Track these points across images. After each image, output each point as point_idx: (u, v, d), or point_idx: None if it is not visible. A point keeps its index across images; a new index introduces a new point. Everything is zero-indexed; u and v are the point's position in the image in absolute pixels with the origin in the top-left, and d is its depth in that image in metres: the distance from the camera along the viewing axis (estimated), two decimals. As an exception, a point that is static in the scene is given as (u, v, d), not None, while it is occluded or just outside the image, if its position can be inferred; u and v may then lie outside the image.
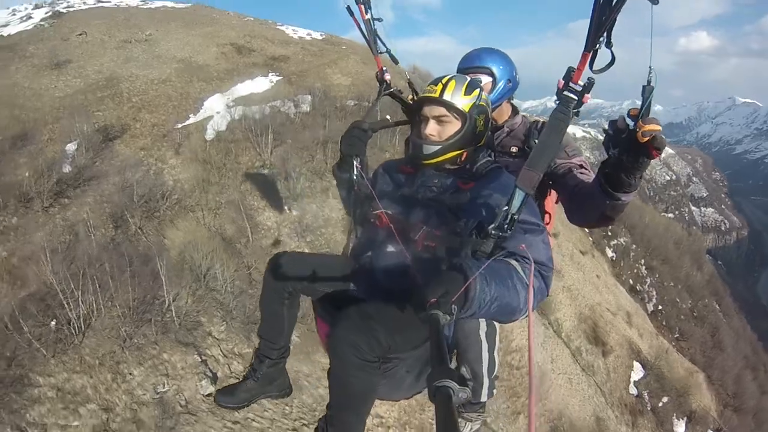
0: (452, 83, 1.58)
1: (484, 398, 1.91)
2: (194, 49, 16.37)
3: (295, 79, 14.50)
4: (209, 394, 7.82)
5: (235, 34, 18.75)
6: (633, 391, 14.82)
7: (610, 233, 30.39)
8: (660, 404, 15.19)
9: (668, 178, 77.92)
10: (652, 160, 1.27)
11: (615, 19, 1.04)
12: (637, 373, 15.69)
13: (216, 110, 12.96)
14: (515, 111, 2.17)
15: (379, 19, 1.84)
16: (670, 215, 56.29)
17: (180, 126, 12.25)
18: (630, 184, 1.37)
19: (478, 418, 2.20)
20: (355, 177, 1.74)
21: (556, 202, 2.04)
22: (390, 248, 1.57)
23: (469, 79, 1.64)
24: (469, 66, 2.00)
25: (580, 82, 1.16)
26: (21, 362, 7.43)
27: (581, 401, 12.48)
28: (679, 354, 20.64)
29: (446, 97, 1.56)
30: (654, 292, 28.71)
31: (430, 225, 1.51)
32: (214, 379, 7.80)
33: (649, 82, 1.16)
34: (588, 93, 1.17)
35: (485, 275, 1.09)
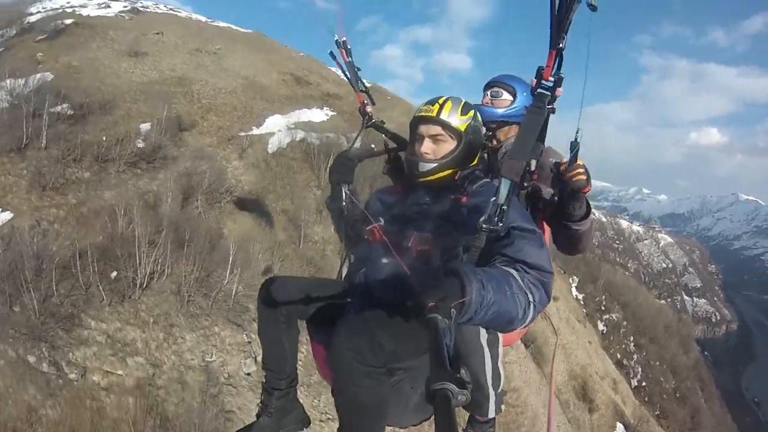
0: (449, 103, 1.60)
1: (491, 414, 1.81)
2: (258, 70, 18.10)
3: (348, 117, 16.13)
4: (249, 374, 8.57)
5: (294, 66, 20.70)
6: (614, 450, 15.17)
7: (603, 308, 31.16)
8: (638, 468, 15.52)
9: (664, 265, 78.49)
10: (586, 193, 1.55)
11: (571, 20, 1.17)
12: (620, 434, 16.10)
13: (277, 128, 14.38)
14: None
15: (358, 68, 1.99)
16: (663, 302, 56.65)
17: (244, 134, 13.68)
18: (571, 214, 1.58)
19: None
20: (344, 203, 1.78)
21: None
22: (384, 260, 1.55)
23: (464, 100, 1.68)
24: (498, 81, 2.13)
25: (551, 79, 1.27)
26: (75, 302, 7.95)
27: (566, 451, 13.03)
28: (659, 427, 20.96)
29: (443, 116, 1.58)
30: (639, 369, 29.15)
31: (422, 230, 1.53)
32: (255, 360, 8.60)
33: (576, 139, 1.48)
34: (559, 87, 1.29)
35: (482, 279, 1.08)
